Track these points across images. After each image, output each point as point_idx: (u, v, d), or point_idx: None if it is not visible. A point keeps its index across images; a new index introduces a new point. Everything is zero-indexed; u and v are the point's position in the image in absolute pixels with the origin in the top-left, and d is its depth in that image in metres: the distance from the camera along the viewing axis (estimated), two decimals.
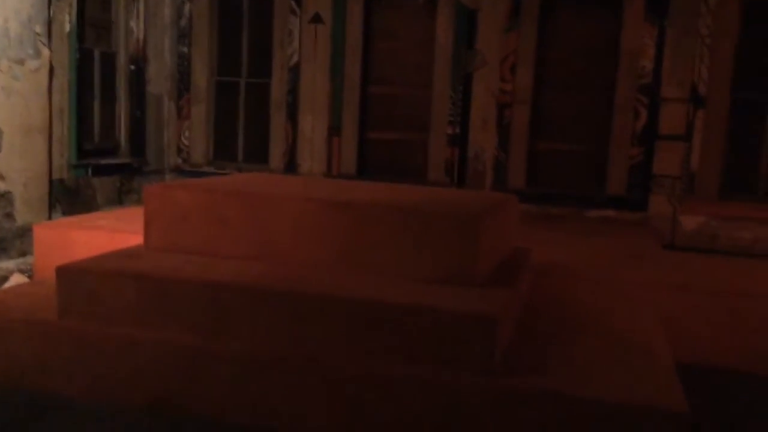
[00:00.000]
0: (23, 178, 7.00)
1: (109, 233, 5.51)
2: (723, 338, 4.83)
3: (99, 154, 8.27)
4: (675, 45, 7.74)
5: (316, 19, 8.77)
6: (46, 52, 7.20)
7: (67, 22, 7.50)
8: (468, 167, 8.43)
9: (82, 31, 7.81)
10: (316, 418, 3.59)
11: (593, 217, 8.03)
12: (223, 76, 9.37)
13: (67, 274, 3.98)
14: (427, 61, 8.57)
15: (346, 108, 8.79)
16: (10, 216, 6.87)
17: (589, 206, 8.08)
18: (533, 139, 8.33)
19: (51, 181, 7.38)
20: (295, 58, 8.87)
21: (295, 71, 8.89)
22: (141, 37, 8.77)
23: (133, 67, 8.72)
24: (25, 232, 6.81)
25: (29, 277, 6.09)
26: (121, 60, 8.63)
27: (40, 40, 7.11)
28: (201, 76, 9.29)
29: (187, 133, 9.37)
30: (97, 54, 8.24)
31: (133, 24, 8.67)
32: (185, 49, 9.27)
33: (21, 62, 6.89)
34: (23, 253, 6.87)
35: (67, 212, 7.52)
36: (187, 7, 9.21)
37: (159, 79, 9.17)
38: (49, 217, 7.28)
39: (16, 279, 5.97)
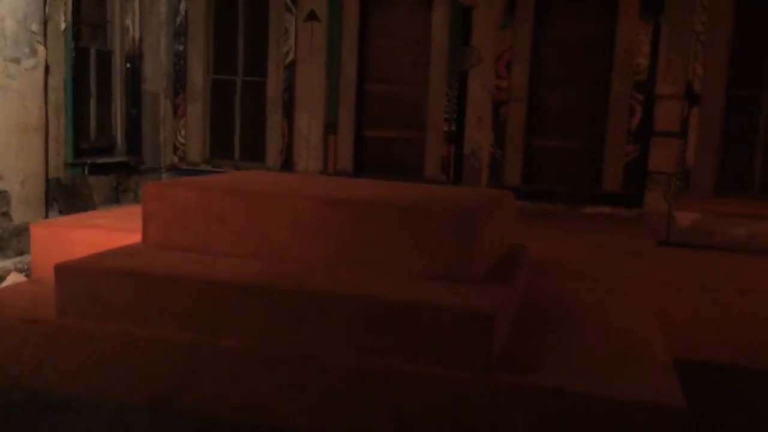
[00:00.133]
0: (20, 176, 7.00)
1: (107, 232, 5.52)
2: (719, 333, 4.86)
3: (95, 152, 8.26)
4: (670, 42, 7.76)
5: (312, 16, 8.77)
6: (41, 50, 7.19)
7: (62, 20, 7.49)
8: (464, 164, 8.45)
9: (77, 29, 7.80)
10: (314, 415, 3.61)
11: (589, 213, 8.05)
12: (219, 74, 9.37)
13: (66, 272, 3.99)
14: (422, 58, 8.58)
15: (342, 106, 8.79)
16: (6, 215, 6.87)
17: (584, 203, 8.11)
18: (529, 136, 8.35)
19: (48, 180, 7.38)
20: (291, 56, 8.88)
21: (291, 69, 8.89)
22: (137, 35, 8.76)
23: (128, 65, 8.71)
24: (22, 231, 6.81)
25: (27, 276, 6.09)
26: (117, 58, 8.62)
27: (36, 39, 7.11)
28: (197, 74, 9.28)
29: (183, 132, 9.37)
30: (92, 52, 8.23)
31: (128, 22, 8.67)
32: (181, 47, 9.26)
33: (17, 61, 6.88)
34: (20, 252, 6.87)
35: (63, 211, 7.52)
36: (182, 4, 9.19)
37: (155, 78, 9.17)
38: (46, 216, 7.28)
39: (14, 278, 5.97)
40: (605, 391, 3.30)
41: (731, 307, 4.86)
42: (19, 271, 6.28)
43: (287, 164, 8.98)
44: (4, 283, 5.78)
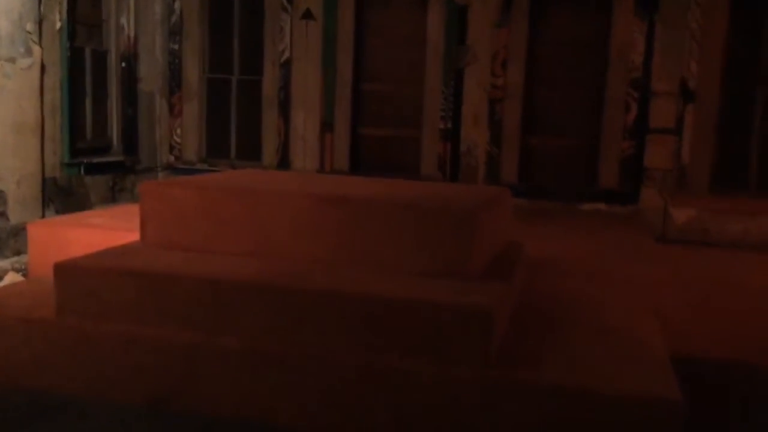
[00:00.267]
0: (16, 176, 6.99)
1: (104, 231, 5.49)
2: (715, 329, 4.88)
3: (91, 152, 8.24)
4: (665, 39, 7.78)
5: (307, 15, 8.77)
6: (37, 50, 7.17)
7: (57, 20, 7.47)
8: (460, 162, 8.46)
9: (73, 29, 7.78)
10: (314, 414, 3.61)
11: (585, 210, 8.07)
12: (215, 73, 9.36)
13: (65, 271, 3.99)
14: (418, 57, 8.59)
15: (338, 104, 8.80)
16: (3, 215, 6.86)
17: (581, 200, 8.13)
18: (525, 134, 8.37)
19: (44, 180, 7.37)
20: (286, 55, 8.87)
21: (286, 68, 8.89)
22: (132, 34, 8.74)
23: (124, 64, 8.69)
24: (19, 231, 6.80)
25: (24, 275, 6.08)
26: (113, 58, 8.60)
27: (31, 39, 7.09)
28: (192, 73, 9.28)
29: (179, 131, 9.36)
30: (88, 52, 8.21)
31: (123, 21, 8.65)
32: (176, 47, 9.25)
33: (12, 61, 6.87)
34: (17, 252, 6.86)
35: (60, 211, 7.50)
36: (177, 4, 9.18)
37: (150, 77, 9.15)
38: (43, 216, 7.26)
39: (11, 278, 5.97)
40: (603, 387, 3.32)
41: (727, 302, 4.89)
42: (17, 270, 6.28)
43: (283, 163, 8.99)
44: (2, 283, 5.77)
